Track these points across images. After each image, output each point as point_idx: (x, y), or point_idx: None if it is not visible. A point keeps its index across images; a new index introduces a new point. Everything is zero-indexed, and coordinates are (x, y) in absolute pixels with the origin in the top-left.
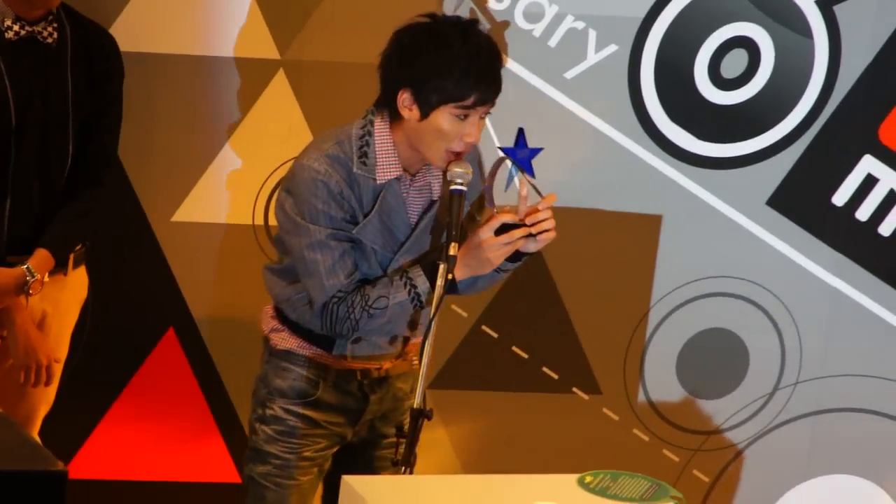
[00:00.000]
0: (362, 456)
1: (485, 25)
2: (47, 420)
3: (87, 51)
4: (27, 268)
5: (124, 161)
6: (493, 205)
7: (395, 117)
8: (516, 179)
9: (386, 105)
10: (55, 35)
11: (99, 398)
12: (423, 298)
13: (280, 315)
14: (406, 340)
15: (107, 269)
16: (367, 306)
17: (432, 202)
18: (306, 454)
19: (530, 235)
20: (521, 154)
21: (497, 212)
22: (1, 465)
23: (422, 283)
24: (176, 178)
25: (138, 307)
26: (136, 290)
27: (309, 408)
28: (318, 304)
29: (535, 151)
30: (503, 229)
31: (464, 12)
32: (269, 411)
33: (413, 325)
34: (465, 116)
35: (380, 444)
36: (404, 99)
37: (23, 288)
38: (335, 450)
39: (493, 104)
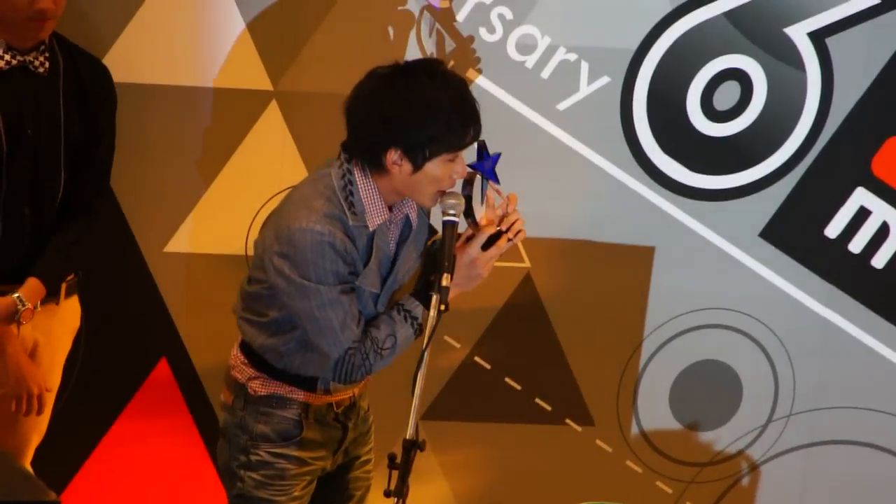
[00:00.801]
0: (338, 481)
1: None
2: (40, 450)
3: (80, 80)
4: (18, 297)
5: (117, 191)
6: (475, 221)
7: (376, 169)
8: (486, 191)
9: (368, 161)
10: (47, 65)
11: (92, 428)
12: (424, 325)
13: (254, 361)
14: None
15: (99, 299)
16: (379, 349)
17: (410, 229)
18: (296, 494)
19: (508, 240)
20: (487, 164)
21: (480, 227)
22: None
23: (420, 312)
24: (168, 209)
25: (131, 337)
26: (128, 320)
27: (295, 448)
28: (332, 359)
29: (496, 158)
30: (487, 243)
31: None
32: (254, 457)
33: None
34: (454, 158)
35: (353, 466)
36: (393, 157)
37: (13, 317)
38: (314, 485)
39: None
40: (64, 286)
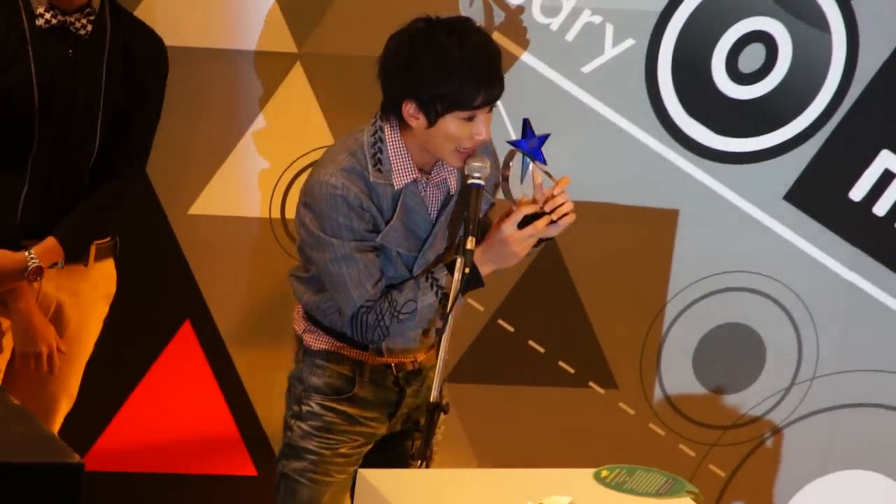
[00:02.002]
0: (396, 448)
1: (499, 14)
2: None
3: (128, 48)
4: (29, 253)
5: None
6: (511, 198)
7: (403, 124)
8: (530, 169)
9: (392, 113)
10: (89, 28)
11: (115, 391)
12: (445, 298)
13: (308, 315)
14: (439, 332)
15: (123, 261)
16: (397, 312)
17: (450, 196)
18: (342, 450)
19: (552, 222)
20: (531, 144)
21: (517, 204)
22: (17, 458)
23: (447, 281)
24: (193, 172)
25: (155, 300)
26: (152, 282)
27: (346, 404)
28: (347, 316)
29: (543, 138)
30: (525, 221)
31: (479, 4)
32: (305, 408)
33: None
34: (472, 118)
35: (414, 436)
36: (409, 109)
37: (23, 273)
38: (368, 447)
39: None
40: (94, 249)
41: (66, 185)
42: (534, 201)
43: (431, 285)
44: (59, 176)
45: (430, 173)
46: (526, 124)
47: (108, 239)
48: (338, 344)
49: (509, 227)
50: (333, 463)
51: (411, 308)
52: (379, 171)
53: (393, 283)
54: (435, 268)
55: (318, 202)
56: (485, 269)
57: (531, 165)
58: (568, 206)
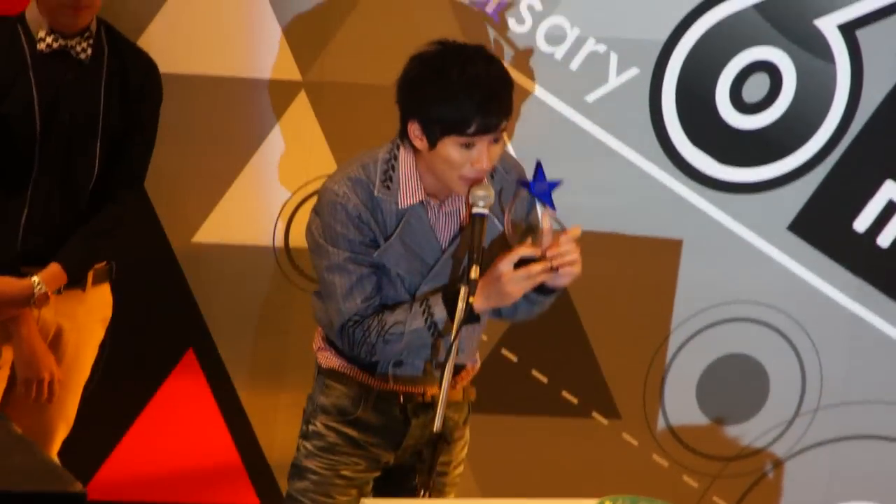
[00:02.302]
0: (406, 482)
1: (507, 52)
2: (66, 439)
3: (124, 71)
4: (35, 280)
5: (146, 181)
6: (511, 237)
7: (411, 144)
8: (538, 210)
9: (402, 132)
10: (89, 51)
11: (118, 419)
12: (441, 327)
13: (326, 335)
14: (442, 362)
15: (127, 288)
16: (383, 332)
17: (462, 227)
18: (344, 473)
19: (553, 269)
20: (541, 188)
21: (517, 245)
22: (20, 486)
23: (440, 311)
24: (197, 199)
25: (158, 327)
26: (155, 310)
27: (349, 426)
28: (336, 326)
29: (555, 184)
30: (523, 263)
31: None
32: (311, 427)
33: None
34: (470, 145)
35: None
36: (414, 129)
37: (29, 300)
38: (375, 474)
39: (500, 129)
40: (91, 273)
41: (66, 210)
42: (538, 245)
43: (424, 311)
44: (59, 201)
45: (443, 201)
46: (538, 167)
47: (104, 263)
48: (347, 365)
49: (505, 266)
50: (334, 484)
51: (399, 330)
52: (387, 187)
53: (387, 304)
54: (430, 295)
55: (322, 208)
56: (479, 304)
57: (539, 209)
58: (572, 257)
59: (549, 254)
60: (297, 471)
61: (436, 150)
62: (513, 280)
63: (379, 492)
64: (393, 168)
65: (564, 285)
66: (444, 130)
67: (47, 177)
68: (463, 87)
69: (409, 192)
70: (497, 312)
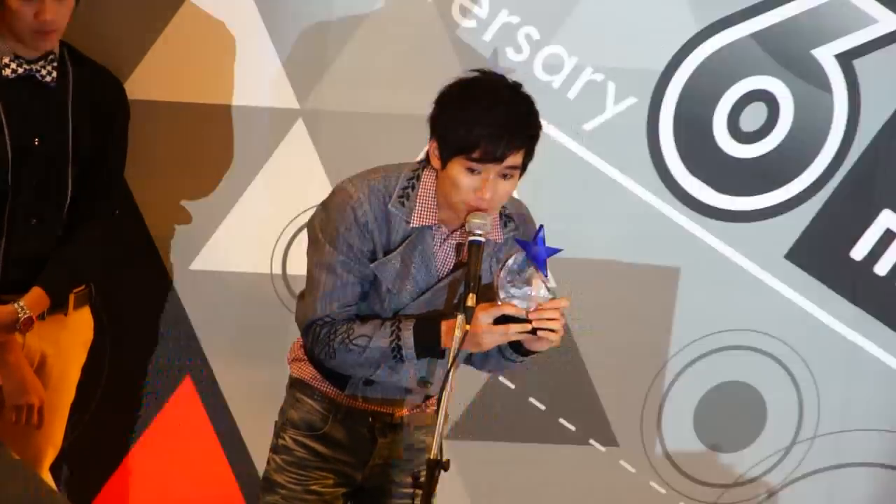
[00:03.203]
0: (376, 501)
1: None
2: (64, 466)
3: (91, 92)
4: (19, 305)
5: (142, 209)
6: (499, 293)
7: (439, 172)
8: (527, 273)
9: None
10: (54, 74)
11: (115, 446)
12: (404, 353)
13: (301, 344)
14: (426, 395)
15: (125, 316)
16: (348, 339)
17: (460, 263)
18: (313, 487)
19: (533, 331)
20: (536, 250)
21: (502, 302)
22: None
23: (407, 336)
24: (194, 227)
25: (156, 355)
26: (153, 337)
27: (317, 441)
28: (306, 321)
29: (554, 251)
30: (504, 319)
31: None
32: (280, 441)
33: (423, 381)
34: (477, 171)
35: (392, 493)
36: (433, 147)
37: (14, 325)
38: (344, 490)
39: (508, 163)
40: (72, 297)
41: (45, 235)
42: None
43: (392, 332)
44: (36, 228)
45: (451, 232)
46: (540, 230)
47: (83, 287)
48: (318, 377)
49: (484, 318)
50: (304, 500)
51: (363, 343)
52: (402, 203)
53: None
54: (404, 318)
55: (332, 204)
56: (447, 342)
57: (530, 272)
58: (555, 324)
59: (531, 316)
60: (267, 484)
61: (446, 170)
62: (488, 332)
63: None
64: (413, 186)
65: (541, 350)
66: (452, 151)
67: (23, 203)
68: (480, 112)
69: (423, 212)
70: (468, 360)
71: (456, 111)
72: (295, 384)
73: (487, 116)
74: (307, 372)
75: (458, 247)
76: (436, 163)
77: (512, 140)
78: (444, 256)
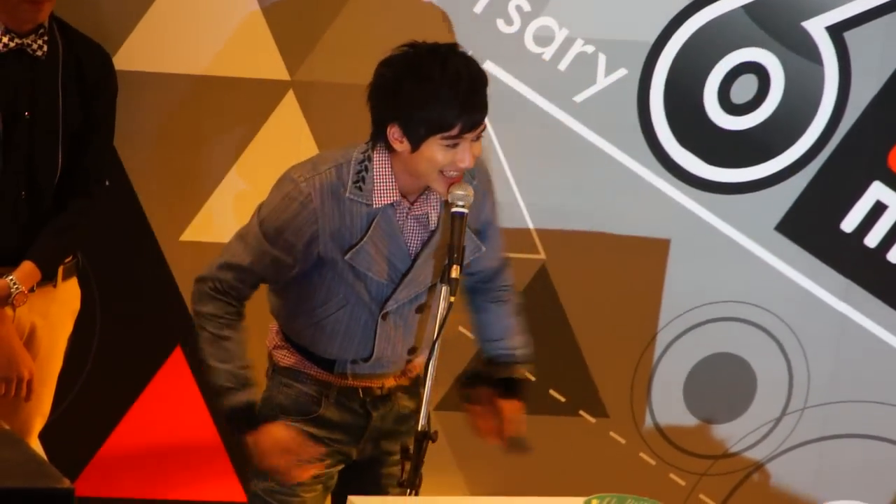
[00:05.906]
0: (368, 473)
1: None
2: (54, 436)
3: (79, 65)
4: (11, 279)
5: (133, 180)
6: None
7: (390, 148)
8: None
9: (380, 137)
10: (45, 48)
11: (106, 415)
12: (224, 403)
13: (283, 332)
14: (426, 360)
15: (115, 287)
16: (215, 329)
17: (431, 233)
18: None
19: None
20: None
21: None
22: (7, 482)
23: (236, 401)
24: (184, 198)
25: (146, 325)
26: (144, 308)
27: (311, 424)
28: (203, 273)
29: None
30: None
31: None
32: None
33: (413, 350)
34: (455, 144)
35: (386, 462)
36: (394, 133)
37: (6, 300)
38: (340, 467)
39: (482, 127)
40: (61, 269)
41: (35, 208)
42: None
43: (236, 382)
44: (28, 200)
45: (412, 203)
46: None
47: (71, 258)
48: (306, 363)
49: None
50: (300, 483)
51: (218, 356)
52: (359, 188)
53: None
54: (249, 390)
55: (277, 191)
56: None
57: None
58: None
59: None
60: (260, 471)
61: (419, 152)
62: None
63: (344, 482)
64: (366, 169)
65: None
66: (429, 131)
67: (14, 177)
68: (445, 85)
69: (383, 192)
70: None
71: (418, 91)
72: (281, 371)
73: (456, 88)
74: (292, 358)
75: (422, 218)
76: (401, 147)
77: (482, 103)
78: (410, 231)
